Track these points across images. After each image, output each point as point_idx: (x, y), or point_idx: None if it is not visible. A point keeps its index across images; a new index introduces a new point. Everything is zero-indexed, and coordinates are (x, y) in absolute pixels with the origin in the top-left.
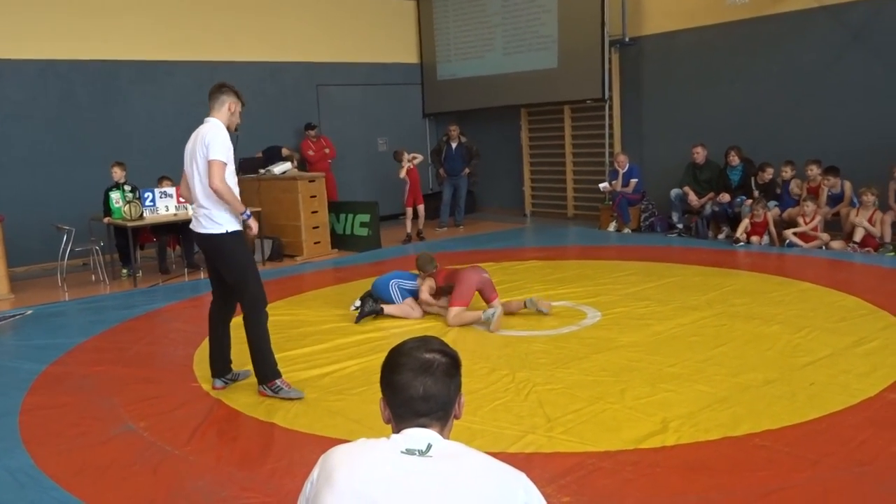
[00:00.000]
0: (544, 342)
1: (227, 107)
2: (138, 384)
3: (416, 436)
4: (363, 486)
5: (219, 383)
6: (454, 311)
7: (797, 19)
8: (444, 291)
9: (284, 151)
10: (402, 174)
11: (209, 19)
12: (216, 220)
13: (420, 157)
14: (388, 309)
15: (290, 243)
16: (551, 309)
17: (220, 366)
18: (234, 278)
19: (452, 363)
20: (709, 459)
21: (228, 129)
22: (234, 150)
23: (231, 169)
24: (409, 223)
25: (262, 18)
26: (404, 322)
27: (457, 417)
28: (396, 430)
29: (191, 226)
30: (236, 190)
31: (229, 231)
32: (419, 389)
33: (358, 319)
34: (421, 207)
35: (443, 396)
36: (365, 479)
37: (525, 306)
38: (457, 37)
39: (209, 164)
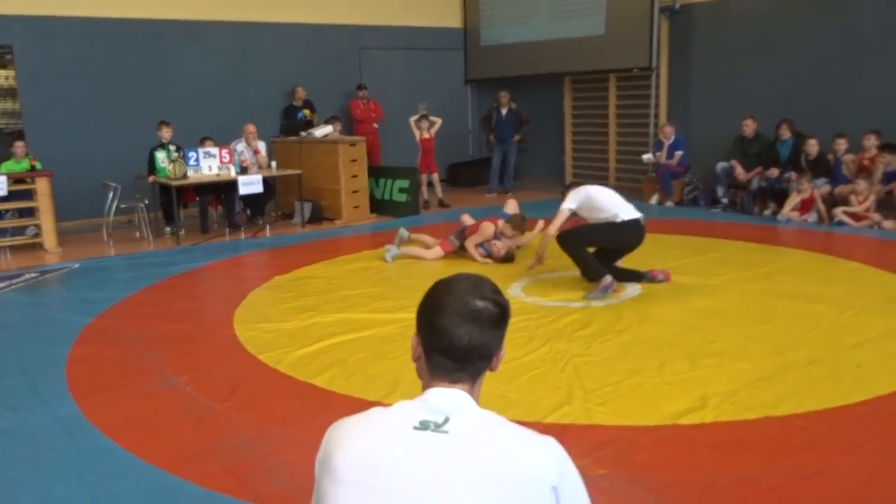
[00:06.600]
0: (583, 314)
1: None
2: (181, 340)
3: (439, 401)
4: (363, 474)
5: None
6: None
7: None
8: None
9: (308, 115)
10: (417, 138)
11: None
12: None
13: (439, 122)
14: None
15: (329, 206)
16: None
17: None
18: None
19: (503, 314)
20: (748, 438)
21: None
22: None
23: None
24: (424, 189)
25: None
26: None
27: (492, 370)
28: (427, 383)
29: None
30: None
31: (617, 221)
32: (464, 339)
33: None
34: (435, 176)
35: (485, 349)
36: (366, 464)
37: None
38: (502, 1)
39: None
